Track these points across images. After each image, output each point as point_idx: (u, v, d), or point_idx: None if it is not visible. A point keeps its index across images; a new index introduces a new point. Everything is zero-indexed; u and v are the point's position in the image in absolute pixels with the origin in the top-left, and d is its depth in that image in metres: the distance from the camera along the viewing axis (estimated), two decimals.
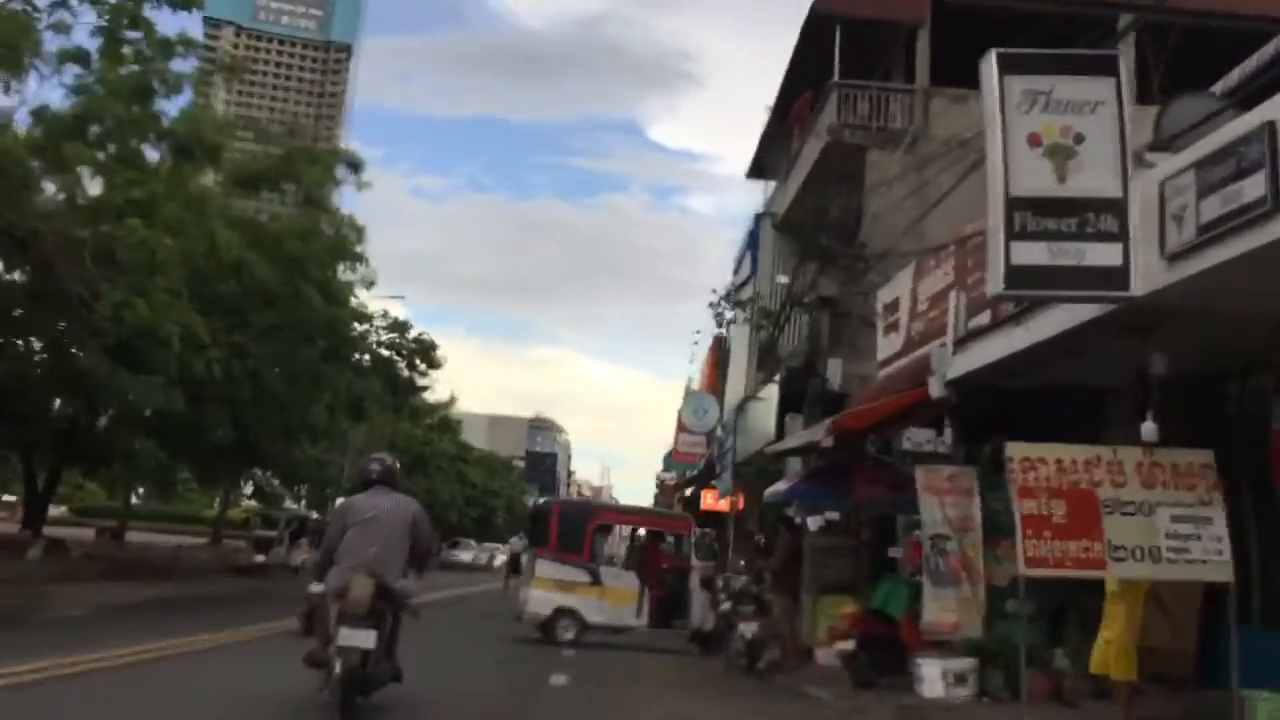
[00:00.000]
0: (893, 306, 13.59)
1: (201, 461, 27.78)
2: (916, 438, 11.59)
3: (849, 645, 11.18)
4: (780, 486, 14.77)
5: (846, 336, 18.98)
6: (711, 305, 24.55)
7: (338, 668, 7.29)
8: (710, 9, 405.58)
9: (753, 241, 25.52)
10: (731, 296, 24.67)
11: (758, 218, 25.71)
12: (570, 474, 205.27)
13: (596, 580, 17.44)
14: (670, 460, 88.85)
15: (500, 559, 58.96)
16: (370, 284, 44.02)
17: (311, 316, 23.34)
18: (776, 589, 13.63)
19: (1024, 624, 9.39)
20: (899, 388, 11.43)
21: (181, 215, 19.46)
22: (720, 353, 36.22)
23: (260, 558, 30.96)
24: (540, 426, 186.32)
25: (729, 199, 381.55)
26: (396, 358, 40.81)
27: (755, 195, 28.58)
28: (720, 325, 25.01)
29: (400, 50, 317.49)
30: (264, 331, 23.95)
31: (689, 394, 29.85)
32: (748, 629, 13.07)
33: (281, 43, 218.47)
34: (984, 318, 10.47)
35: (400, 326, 41.74)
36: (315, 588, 8.35)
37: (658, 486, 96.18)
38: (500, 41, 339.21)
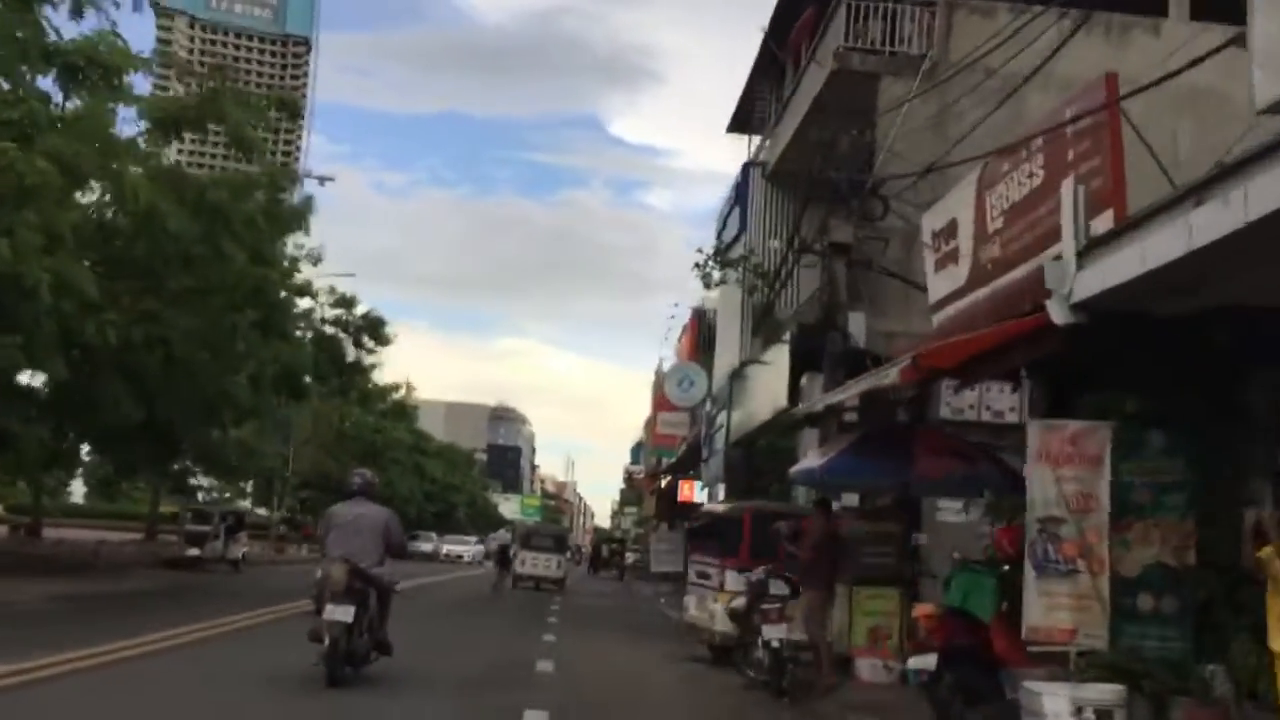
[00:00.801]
0: (947, 232, 10.82)
1: (106, 445, 24.45)
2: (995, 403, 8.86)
3: (927, 662, 8.27)
4: (812, 463, 11.71)
5: (865, 289, 16.20)
6: (697, 266, 21.72)
7: (327, 639, 8.84)
8: (671, 4, 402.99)
9: (741, 196, 22.74)
10: (721, 255, 21.84)
11: (746, 168, 22.90)
12: (535, 468, 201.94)
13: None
14: (639, 451, 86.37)
15: (450, 550, 56.53)
16: (317, 260, 40.99)
17: (235, 278, 20.19)
18: (807, 582, 10.80)
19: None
20: (975, 330, 8.64)
21: (76, 149, 16.35)
22: (700, 327, 33.44)
23: (194, 551, 27.82)
24: (503, 417, 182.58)
25: (689, 195, 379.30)
26: (342, 335, 37.75)
27: (736, 152, 25.87)
28: (708, 287, 22.22)
29: (359, 46, 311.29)
30: (180, 296, 20.80)
31: (672, 366, 27.03)
32: (773, 633, 10.23)
33: (238, 36, 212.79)
34: (1103, 220, 7.72)
35: (347, 302, 38.68)
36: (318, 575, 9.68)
37: (625, 480, 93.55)
38: (460, 36, 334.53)
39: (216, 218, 19.65)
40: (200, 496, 53.52)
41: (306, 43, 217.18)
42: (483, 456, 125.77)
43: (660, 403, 32.59)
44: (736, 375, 21.31)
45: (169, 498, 38.37)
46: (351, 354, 39.14)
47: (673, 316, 37.22)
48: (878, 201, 16.13)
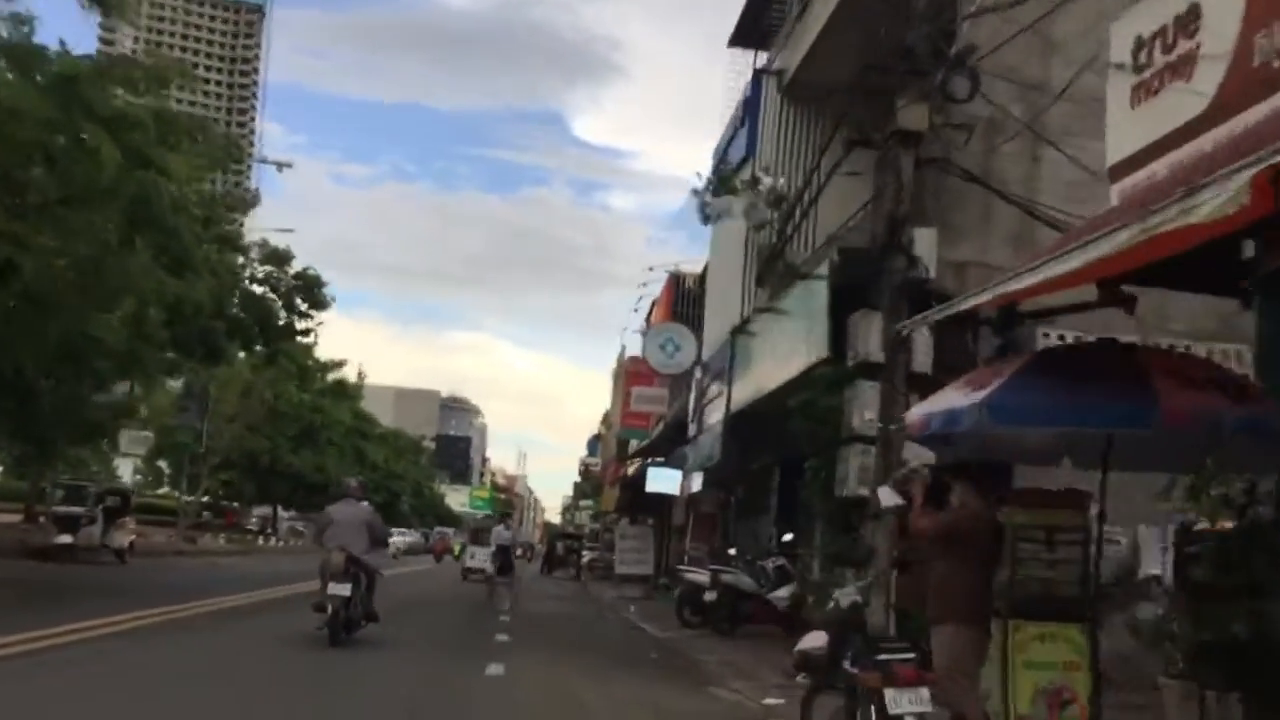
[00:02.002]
0: (1178, 28, 6.55)
1: None
2: None
3: None
4: (955, 401, 6.37)
5: (935, 205, 11.91)
6: (695, 194, 17.29)
7: (329, 609, 11.68)
8: None
9: (750, 112, 18.38)
10: (724, 175, 17.43)
11: (757, 79, 18.53)
12: (485, 460, 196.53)
13: None
14: (596, 444, 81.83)
15: (400, 540, 49.37)
16: (251, 202, 35.83)
17: (108, 183, 15.46)
18: (943, 611, 6.33)
19: None
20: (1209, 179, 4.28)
21: None
22: (677, 294, 29.05)
23: (65, 538, 22.75)
24: (455, 406, 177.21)
25: (650, 198, 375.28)
26: (271, 295, 32.78)
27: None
28: (706, 220, 17.75)
29: (316, 24, 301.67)
30: (39, 209, 16.13)
31: (653, 328, 22.51)
32: (909, 705, 5.73)
33: (189, 1, 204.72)
34: None
35: (278, 258, 33.70)
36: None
37: (581, 472, 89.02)
38: (423, 18, 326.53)
39: (73, 96, 14.95)
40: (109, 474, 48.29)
41: (260, 10, 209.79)
42: (431, 445, 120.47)
43: (633, 377, 28.22)
44: (740, 332, 17.00)
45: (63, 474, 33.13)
46: (283, 317, 34.03)
47: (644, 285, 32.85)
48: (963, 77, 11.89)
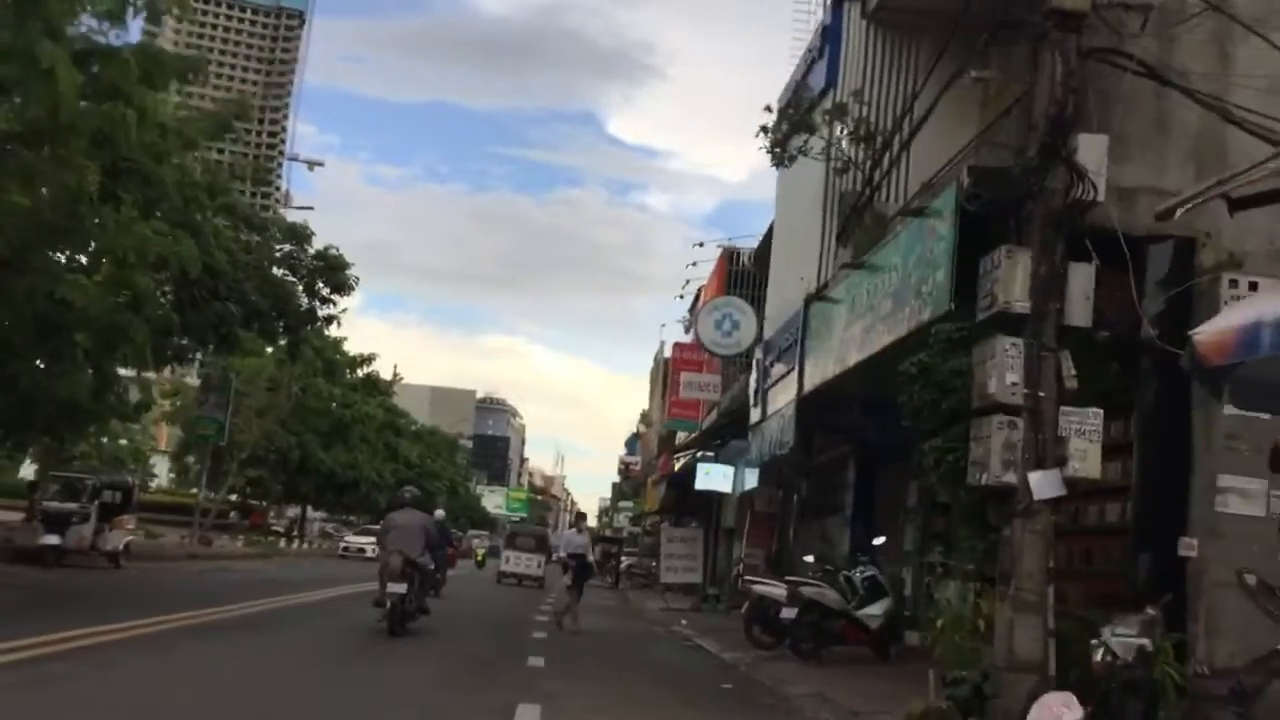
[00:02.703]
0: None
1: None
2: None
3: None
4: None
5: (1097, 114, 9.13)
6: (764, 131, 14.63)
7: (388, 605, 13.20)
8: (673, 2, 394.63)
9: (831, 40, 15.65)
10: (803, 109, 14.73)
11: (839, 3, 15.77)
12: (524, 460, 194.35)
13: None
14: (635, 443, 79.24)
15: (351, 543, 43.58)
16: (260, 177, 33.55)
17: (64, 113, 12.99)
18: None
19: None
20: None
21: None
22: (730, 270, 26.33)
23: (52, 539, 20.26)
24: (492, 408, 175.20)
25: (686, 197, 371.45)
26: (290, 278, 30.44)
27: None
28: (779, 163, 15.05)
29: (356, 32, 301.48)
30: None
31: (708, 303, 19.72)
32: None
33: (230, 6, 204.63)
34: None
35: (298, 236, 31.40)
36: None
37: (621, 472, 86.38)
38: (460, 27, 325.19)
39: (32, 15, 12.52)
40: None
41: (300, 17, 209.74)
42: (468, 444, 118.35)
43: (681, 363, 25.51)
44: (818, 299, 14.27)
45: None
46: (304, 302, 31.68)
47: (693, 265, 30.13)
48: None
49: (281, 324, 31.78)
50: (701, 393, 23.50)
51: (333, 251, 33.58)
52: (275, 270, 30.49)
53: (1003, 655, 8.41)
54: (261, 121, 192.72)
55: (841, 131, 13.90)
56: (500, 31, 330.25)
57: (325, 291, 31.96)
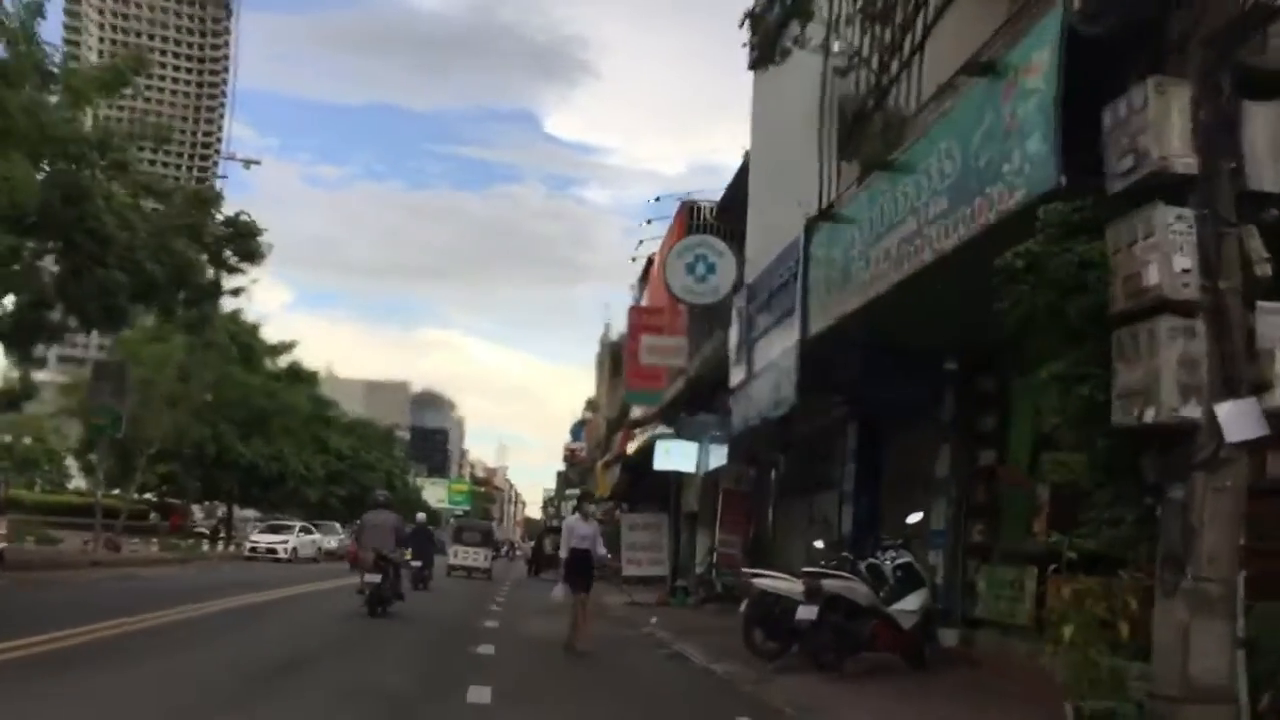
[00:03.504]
0: None
1: None
2: None
3: None
4: None
5: None
6: (750, 18, 11.75)
7: (367, 592, 15.69)
8: None
9: None
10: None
11: None
12: (464, 453, 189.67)
13: None
14: (580, 430, 76.07)
15: (260, 542, 38.15)
16: (163, 137, 30.17)
17: None
18: None
19: None
20: None
21: None
22: (691, 227, 23.50)
23: None
24: (429, 402, 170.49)
25: (626, 191, 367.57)
26: (193, 245, 26.98)
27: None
28: (767, 61, 12.19)
29: (285, 26, 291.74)
30: None
31: (679, 244, 16.64)
32: None
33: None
34: None
35: (203, 198, 27.92)
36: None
37: (566, 459, 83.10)
38: (396, 22, 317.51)
39: None
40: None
41: (226, 7, 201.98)
42: (404, 435, 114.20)
43: (642, 325, 22.55)
44: (824, 220, 11.47)
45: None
46: (210, 274, 28.18)
47: (648, 222, 27.37)
48: None
49: (182, 296, 28.41)
50: (665, 358, 20.54)
51: (243, 217, 30.20)
52: (178, 240, 27.07)
53: (1172, 677, 5.69)
54: (196, 121, 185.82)
55: (846, 13, 11.13)
56: (435, 28, 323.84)
57: (233, 260, 28.67)
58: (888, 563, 10.11)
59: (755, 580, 10.86)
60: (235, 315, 49.52)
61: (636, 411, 27.18)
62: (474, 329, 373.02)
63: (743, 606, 11.02)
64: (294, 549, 37.20)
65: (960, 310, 9.44)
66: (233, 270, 28.60)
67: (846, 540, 14.31)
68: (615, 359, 50.44)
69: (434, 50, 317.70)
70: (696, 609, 20.35)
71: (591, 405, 69.51)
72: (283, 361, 53.14)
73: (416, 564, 23.93)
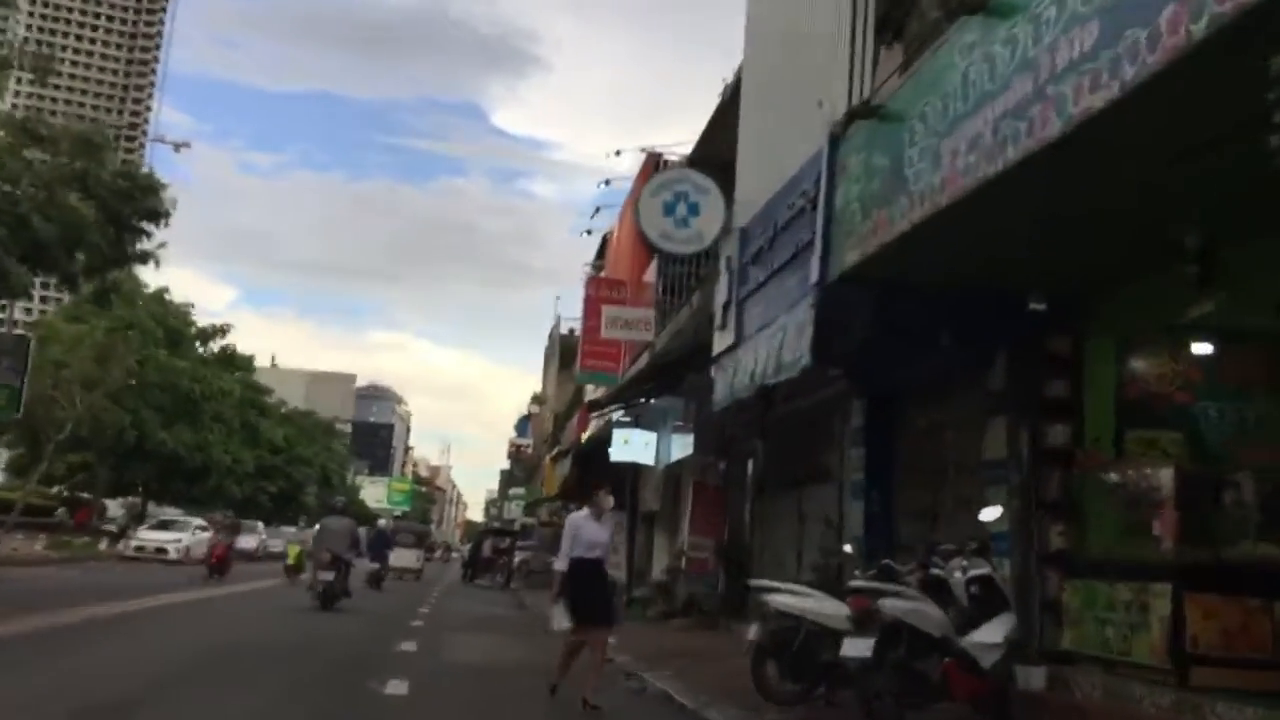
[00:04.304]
0: None
1: None
2: None
3: None
4: None
5: None
6: None
7: (320, 589, 17.60)
8: None
9: None
10: None
11: None
12: (409, 449, 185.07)
13: None
14: (525, 425, 72.70)
15: (146, 540, 34.15)
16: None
17: None
18: None
19: None
20: None
21: None
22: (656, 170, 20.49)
23: None
24: (375, 395, 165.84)
25: (572, 186, 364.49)
26: (86, 201, 23.56)
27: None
28: None
29: (225, 11, 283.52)
30: None
31: (654, 180, 13.62)
32: None
33: None
34: None
35: (92, 142, 24.36)
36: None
37: (511, 454, 79.63)
38: (338, 9, 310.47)
39: None
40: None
41: None
42: (345, 428, 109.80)
43: (601, 298, 19.51)
44: (859, 121, 8.61)
45: None
46: (109, 235, 24.68)
47: (606, 183, 24.46)
48: None
49: (81, 260, 24.95)
50: (629, 331, 17.48)
51: (138, 171, 26.79)
52: (68, 195, 23.61)
53: None
54: (124, 100, 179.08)
55: None
56: (380, 17, 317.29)
57: (134, 221, 25.21)
58: (957, 575, 7.25)
59: (771, 598, 7.89)
60: (161, 295, 45.91)
61: (596, 392, 24.18)
62: (422, 330, 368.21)
63: (751, 632, 8.04)
64: (187, 548, 33.05)
65: (1059, 232, 6.70)
66: (134, 231, 25.17)
67: (861, 543, 11.50)
68: (565, 352, 47.35)
69: (378, 39, 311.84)
70: (660, 622, 17.50)
71: (538, 399, 66.46)
72: (217, 347, 49.56)
73: (374, 566, 25.63)
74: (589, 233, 28.30)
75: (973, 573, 7.24)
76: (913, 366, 10.89)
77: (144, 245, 26.34)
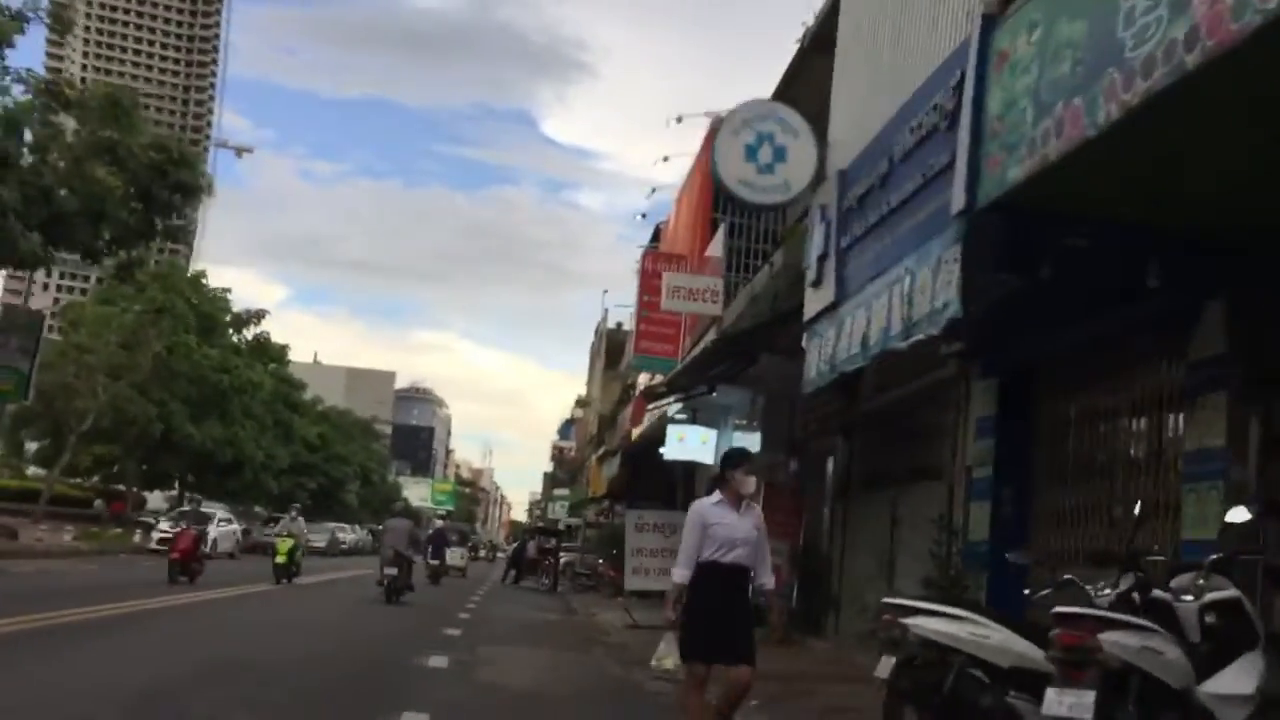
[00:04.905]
0: None
1: None
2: None
3: None
4: None
5: None
6: None
7: (385, 583, 19.12)
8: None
9: None
10: None
11: None
12: (449, 451, 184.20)
13: None
14: (569, 428, 71.13)
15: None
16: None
17: None
18: None
19: None
20: None
21: None
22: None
23: None
24: (416, 397, 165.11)
25: (619, 196, 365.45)
26: (116, 172, 22.12)
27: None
28: None
29: (283, 18, 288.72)
30: None
31: (731, 112, 11.62)
32: None
33: None
34: None
35: (122, 113, 22.81)
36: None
37: (555, 457, 78.09)
38: (391, 16, 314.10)
39: None
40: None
41: None
42: (384, 428, 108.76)
43: (655, 273, 17.44)
44: (999, 25, 6.59)
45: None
46: (137, 209, 23.15)
47: (665, 160, 22.39)
48: None
49: (107, 235, 23.53)
50: (692, 302, 15.21)
51: (177, 145, 25.28)
52: (97, 167, 22.16)
53: None
54: (186, 104, 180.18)
55: None
56: (432, 25, 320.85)
57: (166, 195, 23.71)
58: (1187, 599, 5.17)
59: (913, 620, 5.79)
60: (198, 280, 44.69)
61: (651, 379, 22.17)
62: (468, 332, 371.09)
63: (882, 667, 5.96)
64: (213, 541, 31.07)
65: None
66: (166, 207, 23.62)
67: (979, 552, 9.40)
68: (612, 349, 45.51)
69: (431, 46, 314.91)
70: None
71: (582, 403, 64.91)
72: (251, 335, 48.22)
73: (435, 561, 27.75)
74: (643, 216, 26.30)
75: (1211, 596, 5.14)
76: (1062, 335, 8.82)
77: (175, 221, 24.93)
